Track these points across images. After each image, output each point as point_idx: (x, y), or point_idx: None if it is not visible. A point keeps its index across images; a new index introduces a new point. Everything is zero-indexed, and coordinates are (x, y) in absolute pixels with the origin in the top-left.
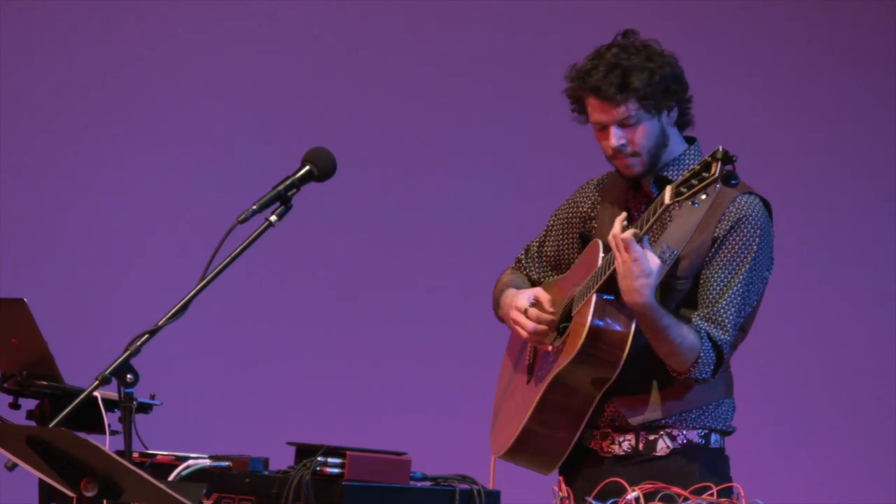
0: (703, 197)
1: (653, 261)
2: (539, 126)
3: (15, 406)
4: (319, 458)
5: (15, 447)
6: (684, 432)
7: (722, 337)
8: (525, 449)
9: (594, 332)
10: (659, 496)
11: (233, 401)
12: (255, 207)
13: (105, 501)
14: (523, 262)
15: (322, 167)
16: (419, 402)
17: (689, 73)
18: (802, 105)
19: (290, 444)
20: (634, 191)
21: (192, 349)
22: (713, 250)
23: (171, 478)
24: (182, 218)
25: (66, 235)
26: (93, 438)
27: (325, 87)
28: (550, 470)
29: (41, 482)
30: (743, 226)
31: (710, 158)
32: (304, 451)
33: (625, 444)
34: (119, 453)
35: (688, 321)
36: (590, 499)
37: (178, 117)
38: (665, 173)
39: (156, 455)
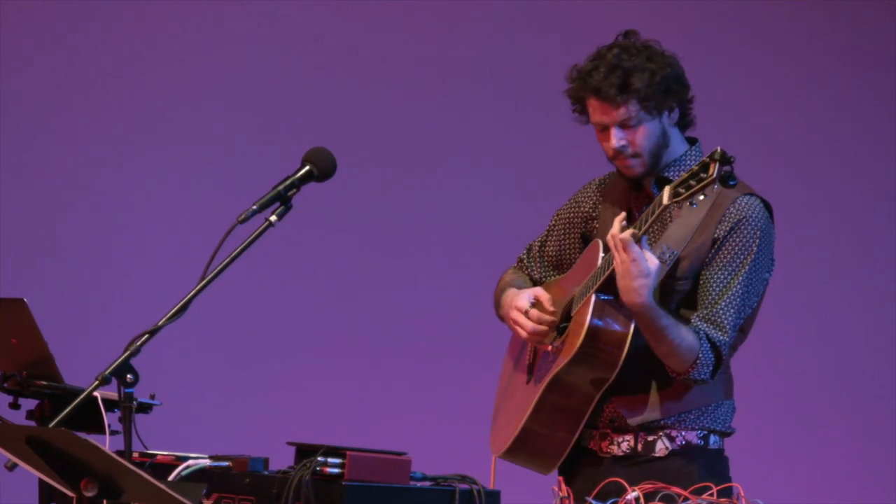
0: (702, 198)
1: (651, 261)
2: (539, 126)
3: (15, 406)
4: (319, 458)
5: (15, 447)
6: (683, 433)
7: (721, 338)
8: (524, 449)
9: (593, 332)
10: (659, 496)
11: (233, 401)
12: (255, 207)
13: (105, 501)
14: (525, 261)
15: (322, 167)
16: (419, 402)
17: (690, 73)
18: (802, 105)
19: (290, 444)
20: (636, 191)
21: (192, 349)
22: (713, 251)
23: (171, 478)
24: (182, 218)
25: (66, 235)
26: (93, 438)
27: (325, 87)
28: (550, 470)
29: (41, 482)
30: (743, 227)
31: (708, 159)
32: (304, 451)
33: (623, 444)
34: (119, 453)
35: (687, 322)
36: (590, 499)
37: (178, 117)
38: (666, 174)
39: (156, 455)
